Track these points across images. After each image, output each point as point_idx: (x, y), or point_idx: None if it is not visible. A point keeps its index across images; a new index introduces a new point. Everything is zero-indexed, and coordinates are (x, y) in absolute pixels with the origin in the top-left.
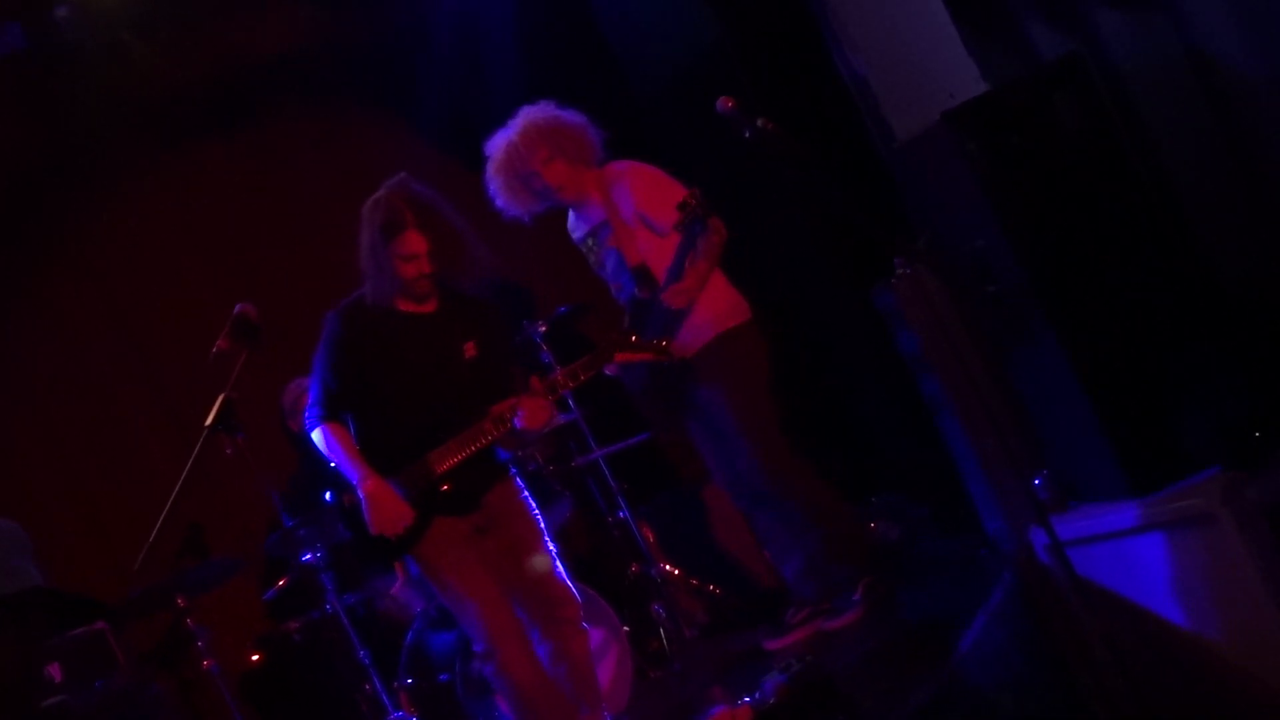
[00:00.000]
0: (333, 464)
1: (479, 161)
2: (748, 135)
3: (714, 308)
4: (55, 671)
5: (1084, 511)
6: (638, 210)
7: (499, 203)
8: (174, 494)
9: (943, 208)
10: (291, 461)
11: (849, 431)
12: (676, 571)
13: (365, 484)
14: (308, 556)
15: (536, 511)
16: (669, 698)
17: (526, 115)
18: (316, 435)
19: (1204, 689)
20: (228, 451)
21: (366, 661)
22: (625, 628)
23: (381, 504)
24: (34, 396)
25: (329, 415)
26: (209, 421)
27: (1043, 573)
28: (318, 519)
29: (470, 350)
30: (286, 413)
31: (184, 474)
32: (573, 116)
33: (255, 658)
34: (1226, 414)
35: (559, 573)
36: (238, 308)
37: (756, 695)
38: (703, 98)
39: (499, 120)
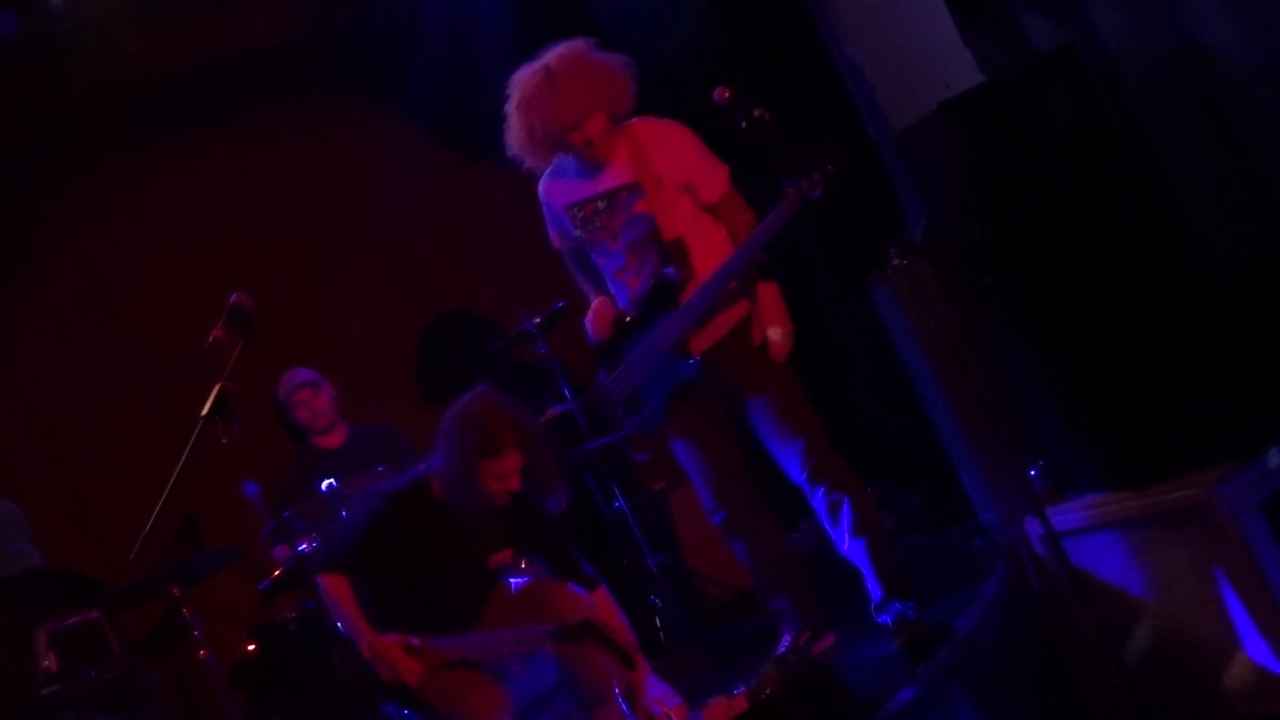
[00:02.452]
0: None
1: (470, 152)
2: (744, 125)
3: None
4: (51, 660)
5: (1079, 503)
6: (686, 178)
7: (514, 148)
8: (170, 483)
9: (937, 198)
10: (284, 452)
11: (842, 421)
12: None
13: (364, 642)
14: (303, 546)
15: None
16: None
17: (571, 58)
18: (324, 582)
19: (1196, 680)
20: (223, 441)
21: None
22: None
23: (390, 660)
24: (22, 386)
25: (334, 569)
26: (205, 411)
27: (1037, 564)
28: (313, 509)
29: (499, 559)
30: (280, 404)
31: (180, 463)
32: (617, 63)
33: (250, 647)
34: (1220, 406)
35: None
36: (233, 297)
37: (752, 684)
38: (697, 88)
39: (490, 111)
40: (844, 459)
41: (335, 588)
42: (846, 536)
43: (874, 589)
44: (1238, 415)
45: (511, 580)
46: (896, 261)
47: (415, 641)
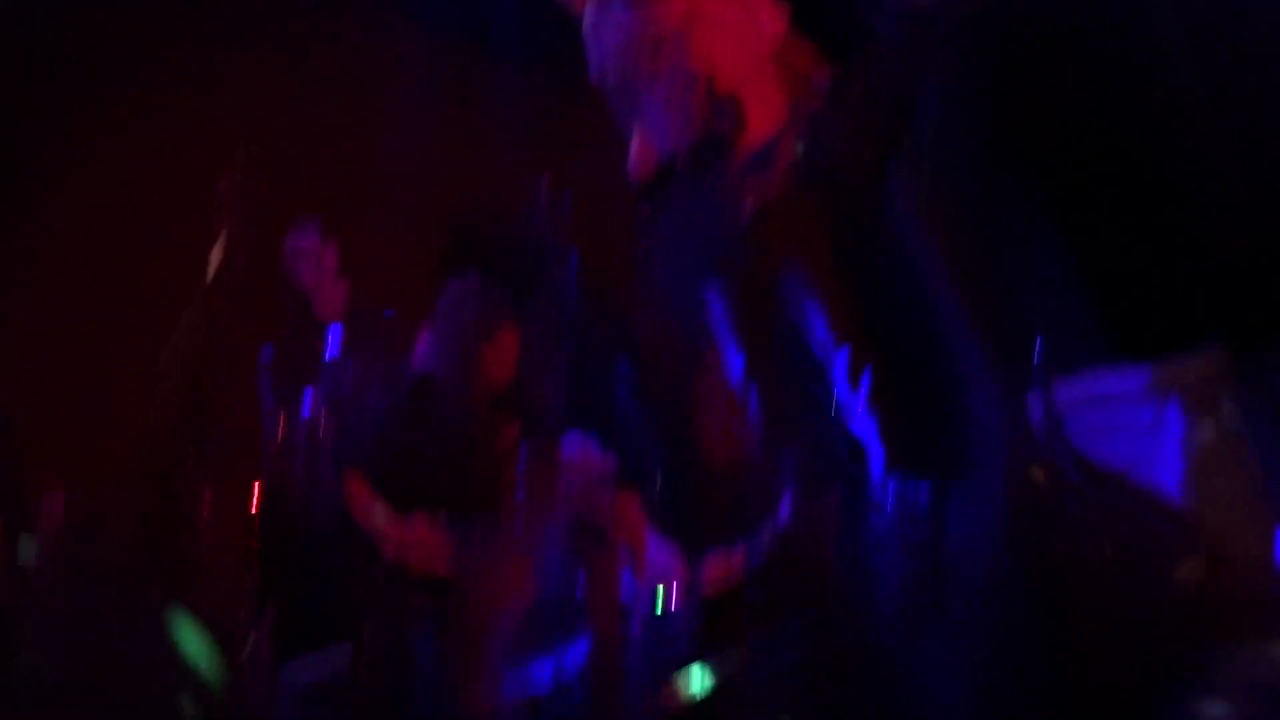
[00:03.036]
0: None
1: (480, 41)
2: None
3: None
4: None
5: (1080, 377)
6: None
7: None
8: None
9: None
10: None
11: None
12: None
13: (391, 536)
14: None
15: None
16: None
17: None
18: (340, 484)
19: (1190, 561)
20: (228, 300)
21: None
22: None
23: (421, 548)
24: (32, 264)
25: (350, 473)
26: (209, 268)
27: (1034, 438)
28: (314, 375)
29: (507, 437)
30: (283, 266)
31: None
32: None
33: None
34: (1230, 286)
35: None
36: (237, 152)
37: (749, 549)
38: None
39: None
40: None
41: (353, 490)
42: (859, 409)
43: (876, 462)
44: (1247, 293)
45: (522, 454)
46: (904, 143)
47: (442, 528)
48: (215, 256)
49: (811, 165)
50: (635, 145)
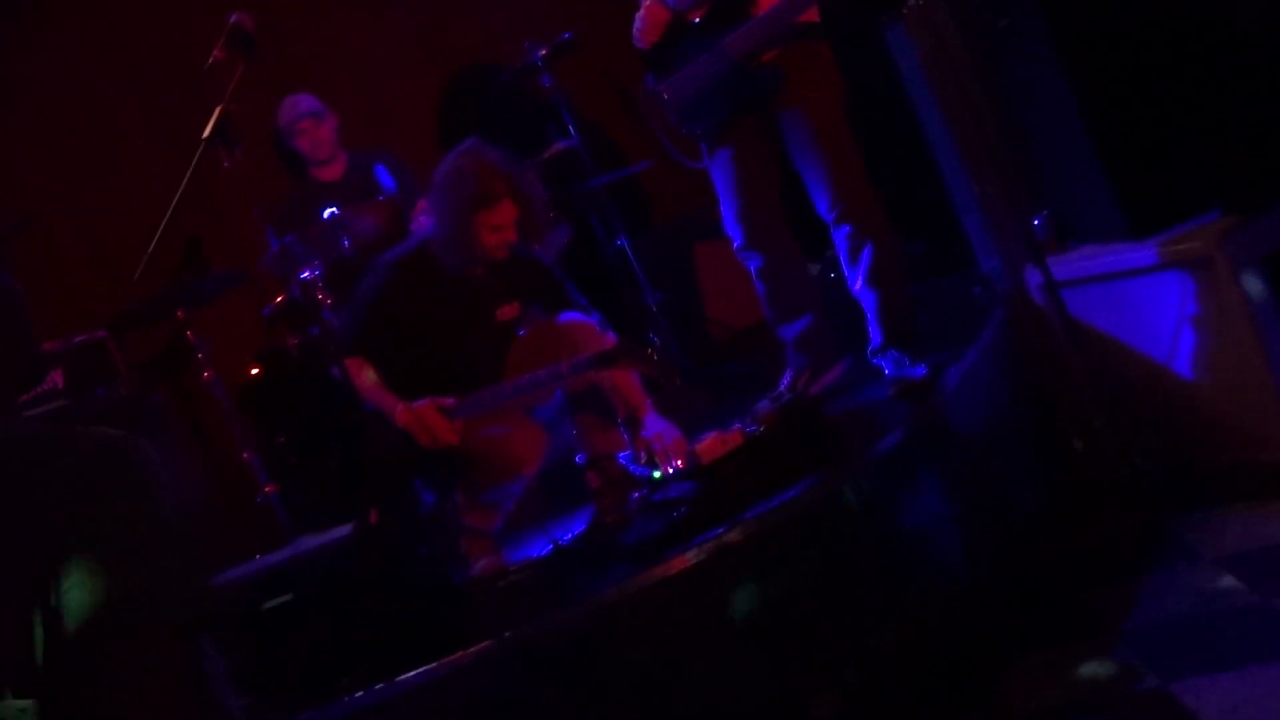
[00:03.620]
0: (365, 399)
1: None
2: None
3: None
4: (57, 378)
5: (1081, 252)
6: None
7: None
8: (172, 205)
9: None
10: (285, 178)
11: None
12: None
13: (397, 413)
14: (305, 273)
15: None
16: None
17: None
18: (348, 365)
19: (1187, 433)
20: (225, 164)
21: None
22: None
23: (424, 423)
24: (25, 109)
25: (356, 352)
26: (206, 133)
27: (1035, 312)
28: (315, 236)
29: (507, 312)
30: (281, 132)
31: (182, 185)
32: None
33: (254, 371)
34: (1229, 159)
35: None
36: (232, 17)
37: (748, 421)
38: None
39: None
40: (878, 203)
41: (358, 369)
42: (861, 280)
43: (875, 334)
44: (1244, 166)
45: (520, 331)
46: (912, 2)
47: (449, 402)
48: (213, 120)
49: (824, 23)
50: (646, 4)
